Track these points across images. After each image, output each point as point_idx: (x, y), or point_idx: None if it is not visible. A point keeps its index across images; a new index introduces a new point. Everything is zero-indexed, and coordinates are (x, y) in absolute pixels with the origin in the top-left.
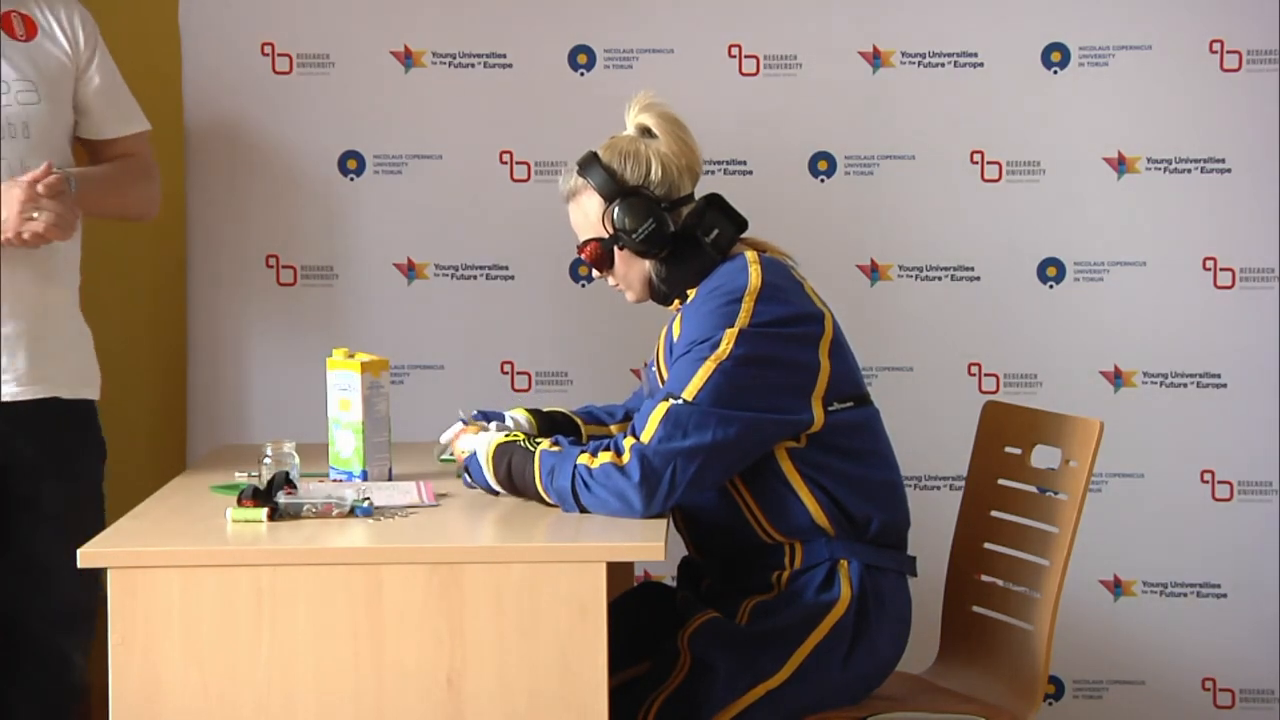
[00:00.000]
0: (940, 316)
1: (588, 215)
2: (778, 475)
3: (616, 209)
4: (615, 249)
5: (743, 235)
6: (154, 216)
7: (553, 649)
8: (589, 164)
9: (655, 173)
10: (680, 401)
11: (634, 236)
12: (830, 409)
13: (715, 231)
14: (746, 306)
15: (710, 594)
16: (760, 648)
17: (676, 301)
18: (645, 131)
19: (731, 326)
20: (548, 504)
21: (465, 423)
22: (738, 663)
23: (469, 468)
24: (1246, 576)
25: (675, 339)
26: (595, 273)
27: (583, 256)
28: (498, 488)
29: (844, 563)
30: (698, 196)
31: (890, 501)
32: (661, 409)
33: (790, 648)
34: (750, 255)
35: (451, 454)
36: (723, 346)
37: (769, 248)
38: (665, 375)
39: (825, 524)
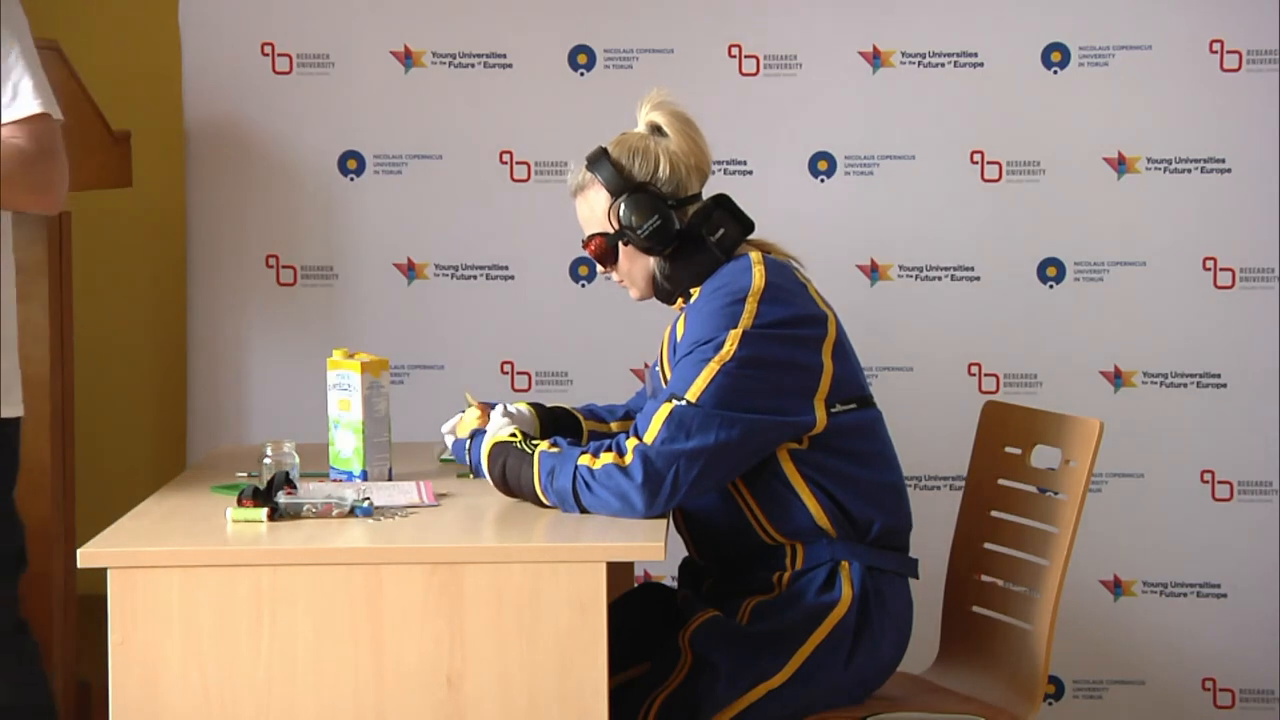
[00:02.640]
0: (940, 316)
1: (594, 210)
2: (779, 476)
3: (623, 205)
4: (620, 245)
5: (748, 236)
6: (43, 208)
7: (553, 649)
8: (598, 159)
9: (663, 170)
10: (683, 403)
11: (639, 233)
12: (833, 411)
13: (721, 231)
14: (750, 307)
15: (711, 594)
16: (762, 647)
17: (680, 300)
18: (656, 129)
19: (735, 328)
20: (543, 505)
21: (472, 404)
22: (739, 662)
23: (471, 447)
24: (1246, 576)
25: (679, 339)
26: (599, 268)
27: (587, 251)
28: (490, 479)
29: (845, 564)
30: (705, 196)
31: (892, 504)
32: (665, 410)
33: (792, 648)
34: (754, 256)
35: (451, 454)
36: (726, 348)
37: (774, 249)
38: (669, 375)
39: (827, 525)
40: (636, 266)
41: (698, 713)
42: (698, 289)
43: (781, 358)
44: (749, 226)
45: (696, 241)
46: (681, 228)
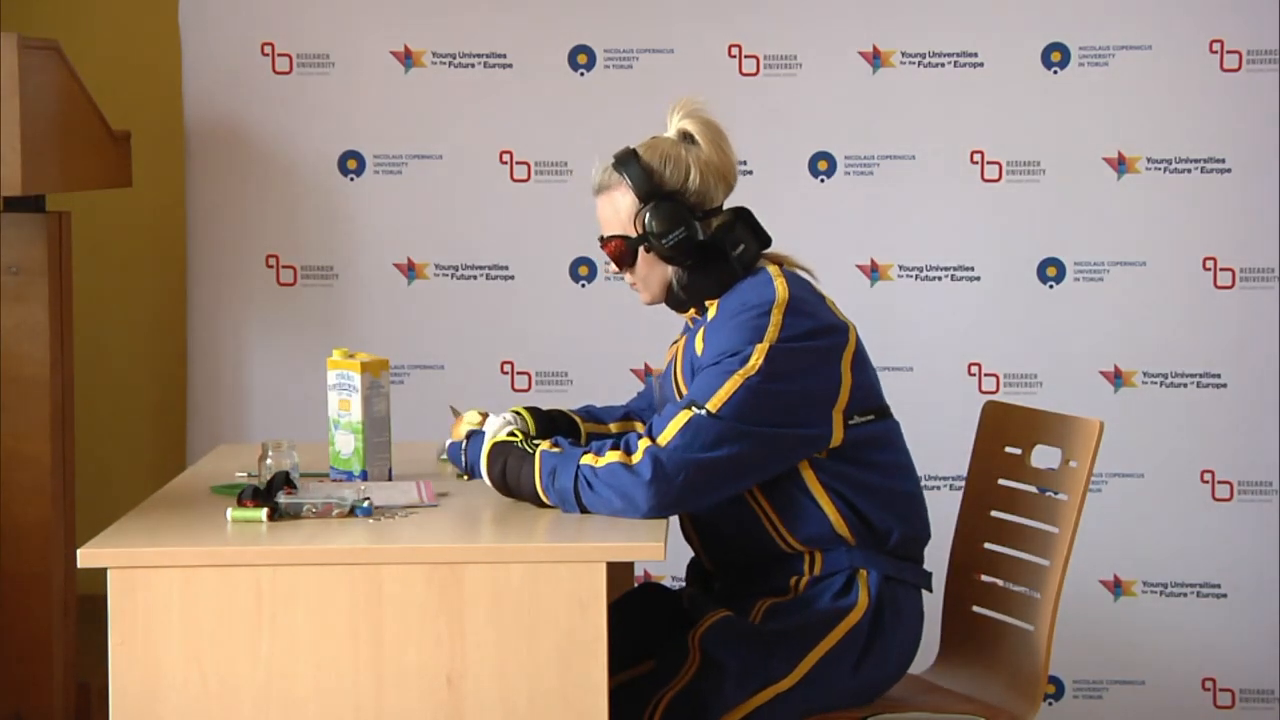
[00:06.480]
0: (940, 316)
1: (619, 212)
2: (799, 485)
3: (649, 212)
4: (640, 250)
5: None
6: None
7: (553, 649)
8: (628, 161)
9: (693, 180)
10: (704, 412)
11: (663, 242)
12: (850, 423)
13: (741, 247)
14: (775, 319)
15: (723, 594)
16: (772, 648)
17: (692, 311)
18: (686, 137)
19: (761, 341)
20: (544, 505)
21: (457, 413)
22: (749, 662)
23: (469, 447)
24: (1246, 576)
25: (699, 354)
26: (609, 268)
27: (605, 251)
28: (488, 480)
29: (863, 572)
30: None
31: (911, 514)
32: (684, 416)
33: (803, 650)
34: (773, 270)
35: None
36: (752, 361)
37: (788, 261)
38: (683, 391)
39: (845, 533)
40: (654, 273)
41: (704, 713)
42: (712, 302)
43: (805, 370)
44: (766, 242)
45: (717, 255)
46: (704, 240)
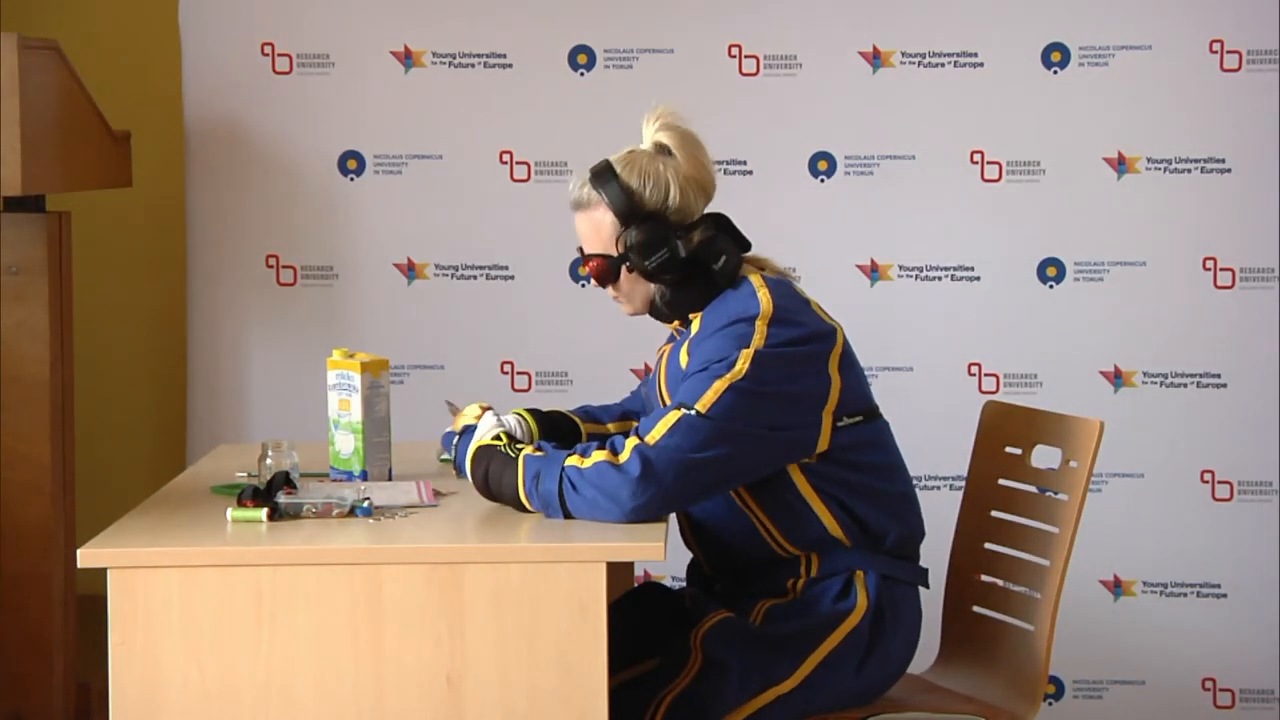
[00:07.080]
0: (940, 316)
1: (599, 231)
2: (791, 490)
3: (632, 233)
4: (623, 268)
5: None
6: None
7: (553, 649)
8: (606, 179)
9: (673, 198)
10: (693, 413)
11: (646, 263)
12: (839, 425)
13: (723, 259)
14: (760, 330)
15: (723, 595)
16: (774, 650)
17: (676, 323)
18: (662, 149)
19: (747, 348)
20: (527, 510)
21: (455, 409)
22: (751, 663)
23: (459, 444)
24: (1246, 576)
25: (683, 368)
26: (595, 283)
27: (587, 270)
28: (471, 483)
29: (860, 573)
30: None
31: (905, 514)
32: (673, 416)
33: (804, 653)
34: (756, 280)
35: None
36: (738, 366)
37: (768, 265)
38: (667, 400)
39: (841, 536)
40: (637, 290)
41: (705, 714)
42: (696, 315)
43: (792, 377)
44: (746, 246)
45: (700, 268)
46: (686, 256)
